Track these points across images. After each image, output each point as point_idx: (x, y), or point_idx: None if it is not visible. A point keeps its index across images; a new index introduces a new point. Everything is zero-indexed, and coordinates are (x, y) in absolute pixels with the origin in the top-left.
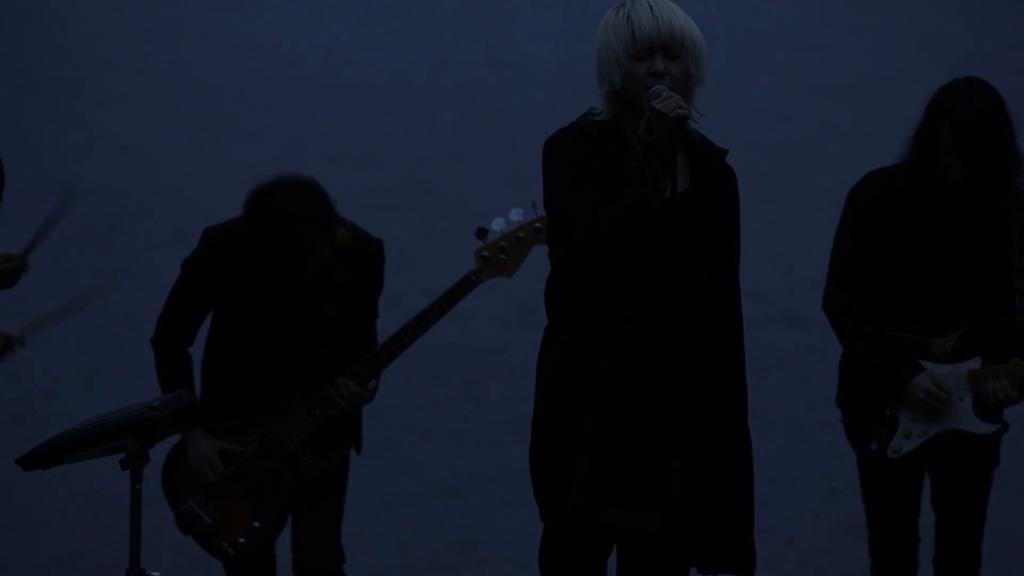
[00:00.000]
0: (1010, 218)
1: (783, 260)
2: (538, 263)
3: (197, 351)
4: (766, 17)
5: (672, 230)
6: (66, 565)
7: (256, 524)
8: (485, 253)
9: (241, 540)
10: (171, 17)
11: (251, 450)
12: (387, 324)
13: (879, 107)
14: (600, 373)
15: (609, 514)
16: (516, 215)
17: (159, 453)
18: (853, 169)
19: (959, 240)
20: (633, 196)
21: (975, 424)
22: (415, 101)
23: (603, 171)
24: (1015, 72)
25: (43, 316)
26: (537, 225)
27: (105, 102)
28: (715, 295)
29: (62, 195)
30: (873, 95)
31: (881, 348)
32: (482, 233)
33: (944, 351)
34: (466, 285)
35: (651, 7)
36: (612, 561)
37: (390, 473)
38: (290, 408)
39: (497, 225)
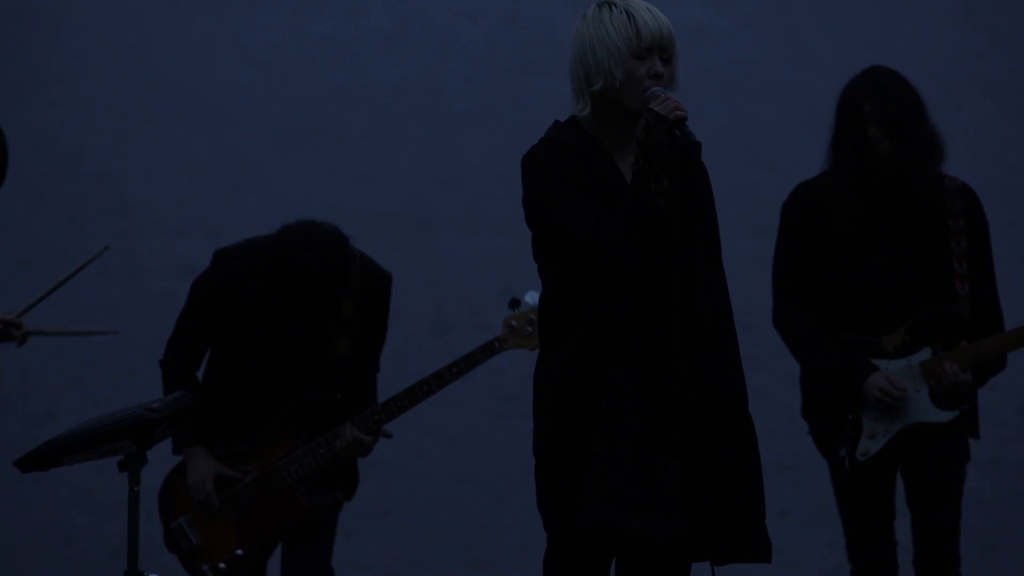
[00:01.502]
0: (941, 204)
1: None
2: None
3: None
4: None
5: (676, 230)
6: (63, 567)
7: (239, 552)
8: (513, 323)
9: (221, 565)
10: (168, 16)
11: (248, 479)
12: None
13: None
14: (605, 382)
15: (627, 520)
16: None
17: (157, 455)
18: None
19: (894, 236)
20: (635, 198)
21: (934, 414)
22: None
23: (587, 181)
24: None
25: (38, 296)
26: None
27: (102, 99)
28: (709, 289)
29: (96, 252)
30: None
31: (833, 354)
32: (514, 303)
33: (895, 346)
34: (488, 351)
35: (648, 8)
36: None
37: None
38: (295, 443)
39: (531, 298)
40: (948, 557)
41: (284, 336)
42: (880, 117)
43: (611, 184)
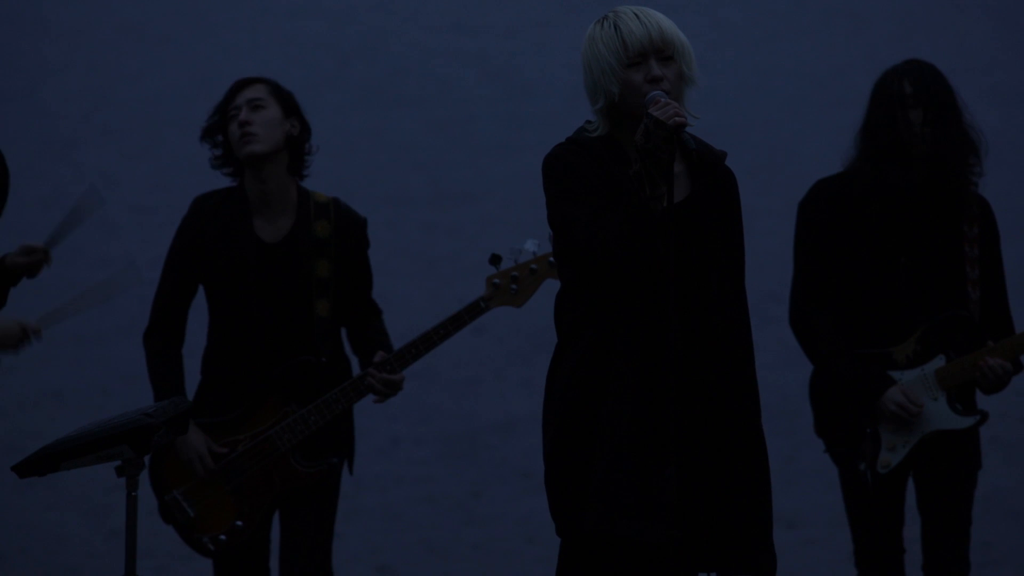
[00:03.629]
0: (958, 207)
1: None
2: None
3: (197, 346)
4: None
5: (671, 238)
6: (63, 571)
7: (239, 523)
8: (496, 281)
9: (222, 537)
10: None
11: (241, 449)
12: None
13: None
14: (611, 386)
15: (625, 526)
16: (531, 246)
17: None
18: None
19: (909, 242)
20: (632, 204)
21: (954, 421)
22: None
23: (603, 184)
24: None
25: (59, 308)
26: (551, 259)
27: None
28: (722, 299)
29: (82, 194)
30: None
31: (852, 362)
32: (495, 260)
33: (906, 357)
34: (474, 311)
35: (636, 15)
36: None
37: None
38: (285, 411)
39: (511, 254)
40: (958, 564)
41: (259, 294)
42: (921, 101)
43: (624, 189)
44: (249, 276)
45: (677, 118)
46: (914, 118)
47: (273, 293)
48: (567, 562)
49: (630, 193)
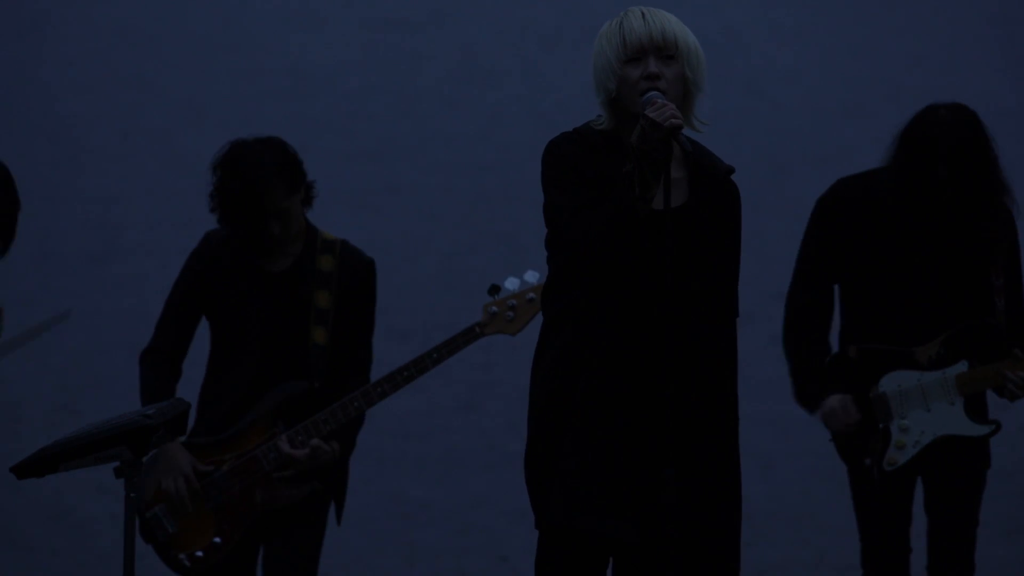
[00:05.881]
0: (988, 220)
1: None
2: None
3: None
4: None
5: (663, 241)
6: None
7: (217, 540)
8: (493, 308)
9: (199, 554)
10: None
11: (226, 467)
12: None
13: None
14: (584, 382)
15: (587, 520)
16: (531, 277)
17: None
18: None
19: (936, 245)
20: (616, 202)
21: (968, 427)
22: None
23: (600, 177)
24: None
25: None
26: None
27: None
28: (708, 311)
29: (53, 315)
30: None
31: (808, 355)
32: (494, 290)
33: (928, 358)
34: (468, 336)
35: (643, 14)
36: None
37: None
38: (273, 432)
39: (511, 284)
40: (963, 566)
41: (258, 321)
42: (953, 178)
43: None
44: (251, 304)
45: (673, 120)
46: (942, 174)
47: (272, 320)
48: (543, 556)
49: (617, 191)
